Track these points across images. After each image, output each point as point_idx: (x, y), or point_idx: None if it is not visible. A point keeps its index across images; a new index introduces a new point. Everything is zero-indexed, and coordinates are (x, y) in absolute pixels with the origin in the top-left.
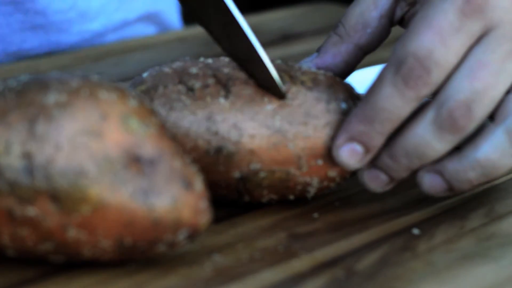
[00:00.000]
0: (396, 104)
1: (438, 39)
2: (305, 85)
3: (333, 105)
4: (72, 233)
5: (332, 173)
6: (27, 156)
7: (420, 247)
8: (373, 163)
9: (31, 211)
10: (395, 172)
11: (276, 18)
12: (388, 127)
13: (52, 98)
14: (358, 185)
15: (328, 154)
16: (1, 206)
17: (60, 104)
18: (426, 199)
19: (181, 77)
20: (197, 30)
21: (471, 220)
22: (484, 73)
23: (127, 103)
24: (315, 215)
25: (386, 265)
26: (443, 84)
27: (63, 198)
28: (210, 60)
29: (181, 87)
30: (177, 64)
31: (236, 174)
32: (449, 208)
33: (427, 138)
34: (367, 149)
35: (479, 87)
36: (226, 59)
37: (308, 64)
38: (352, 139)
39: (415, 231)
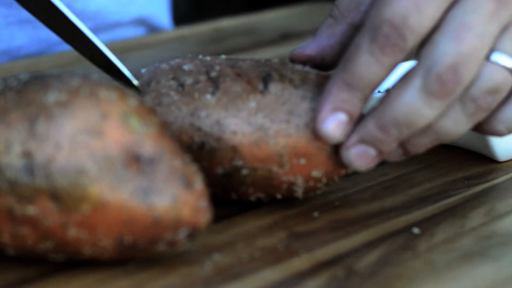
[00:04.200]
0: (374, 71)
1: (412, 5)
2: (292, 83)
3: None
4: (72, 232)
5: (317, 173)
6: (27, 155)
7: (420, 246)
8: (360, 138)
9: (31, 210)
10: (384, 144)
11: (276, 17)
12: (368, 93)
13: (52, 97)
14: (358, 184)
15: (311, 153)
16: (1, 205)
17: (60, 103)
18: (426, 198)
19: (175, 73)
20: (196, 29)
21: (471, 219)
22: (469, 36)
23: (127, 102)
24: (315, 214)
25: (386, 264)
26: (425, 44)
27: (63, 197)
28: (208, 58)
29: (172, 83)
30: (175, 61)
31: (220, 170)
32: (449, 207)
33: (416, 105)
34: (350, 118)
35: (465, 50)
36: (223, 57)
37: (303, 49)
38: (336, 108)
39: (415, 230)
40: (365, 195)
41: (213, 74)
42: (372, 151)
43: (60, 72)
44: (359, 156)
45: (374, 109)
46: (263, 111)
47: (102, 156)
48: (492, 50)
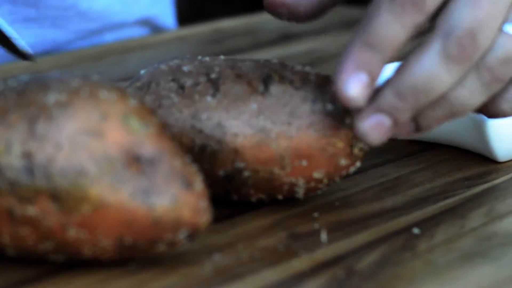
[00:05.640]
0: (395, 31)
1: None
2: (293, 85)
3: (319, 105)
4: (72, 233)
5: (318, 174)
6: (27, 156)
7: (420, 246)
8: (376, 107)
9: (31, 210)
10: (400, 113)
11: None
12: (388, 55)
13: (52, 98)
14: (358, 185)
15: (313, 155)
16: (1, 206)
17: (60, 104)
18: (426, 199)
19: (175, 74)
20: (196, 30)
21: (471, 220)
22: (484, 2)
23: (127, 102)
24: (316, 214)
25: (386, 264)
26: (440, 13)
27: (63, 198)
28: (207, 59)
29: (172, 85)
30: (174, 62)
31: (221, 172)
32: (449, 207)
33: (435, 70)
34: (372, 79)
35: (482, 16)
36: (223, 58)
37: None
38: (358, 68)
39: (415, 230)
40: (365, 196)
41: (213, 75)
42: (387, 121)
43: (60, 73)
44: (375, 127)
45: (390, 78)
46: (264, 113)
47: (102, 157)
48: (505, 21)
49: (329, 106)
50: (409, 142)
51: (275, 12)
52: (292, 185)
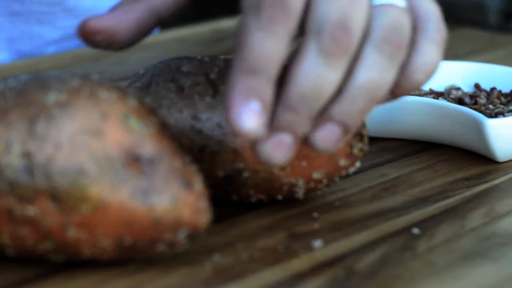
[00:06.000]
0: (272, 46)
1: None
2: None
3: None
4: (72, 233)
5: (318, 175)
6: (27, 156)
7: (420, 246)
8: (272, 127)
9: (31, 210)
10: (297, 126)
11: None
12: (274, 73)
13: (52, 97)
14: (357, 185)
15: (312, 155)
16: (1, 206)
17: (60, 104)
18: (426, 199)
19: (174, 75)
20: (196, 30)
21: (471, 220)
22: None
23: (127, 102)
24: (315, 214)
25: (386, 264)
26: (308, 15)
27: (63, 198)
28: (206, 59)
29: (172, 85)
30: (173, 62)
31: (221, 173)
32: (449, 208)
33: (318, 72)
34: (264, 105)
35: (345, 3)
36: (222, 58)
37: (98, 19)
38: (246, 96)
39: (415, 230)
40: (365, 196)
41: (212, 76)
42: (287, 138)
43: (60, 72)
44: (276, 148)
45: (278, 95)
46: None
47: (102, 157)
48: None
49: None
50: (409, 142)
51: (90, 40)
52: (292, 186)
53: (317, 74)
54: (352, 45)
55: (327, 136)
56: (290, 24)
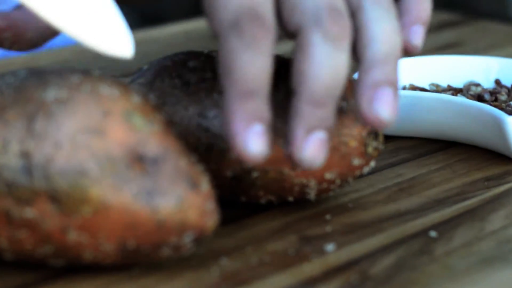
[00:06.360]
0: (260, 63)
1: None
2: None
3: None
4: (73, 236)
5: (330, 175)
6: (26, 155)
7: (437, 250)
8: (305, 129)
9: (30, 212)
10: (326, 118)
11: None
12: (267, 89)
13: (51, 94)
14: (372, 185)
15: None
16: None
17: (60, 100)
18: (444, 200)
19: (179, 70)
20: (202, 24)
21: (491, 222)
22: None
23: (130, 99)
24: (328, 217)
25: (402, 269)
26: (289, 15)
27: (63, 199)
28: (214, 54)
29: (177, 81)
30: (178, 57)
31: (229, 172)
32: (467, 209)
33: (331, 57)
34: (266, 124)
35: None
36: None
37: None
38: (248, 121)
39: (432, 233)
40: (380, 197)
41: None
42: (322, 134)
43: (60, 67)
44: (316, 148)
45: (295, 96)
46: (273, 110)
47: (103, 156)
48: None
49: (342, 104)
50: (425, 140)
51: None
52: (303, 186)
53: (331, 60)
54: (348, 23)
55: (388, 101)
56: (271, 37)
